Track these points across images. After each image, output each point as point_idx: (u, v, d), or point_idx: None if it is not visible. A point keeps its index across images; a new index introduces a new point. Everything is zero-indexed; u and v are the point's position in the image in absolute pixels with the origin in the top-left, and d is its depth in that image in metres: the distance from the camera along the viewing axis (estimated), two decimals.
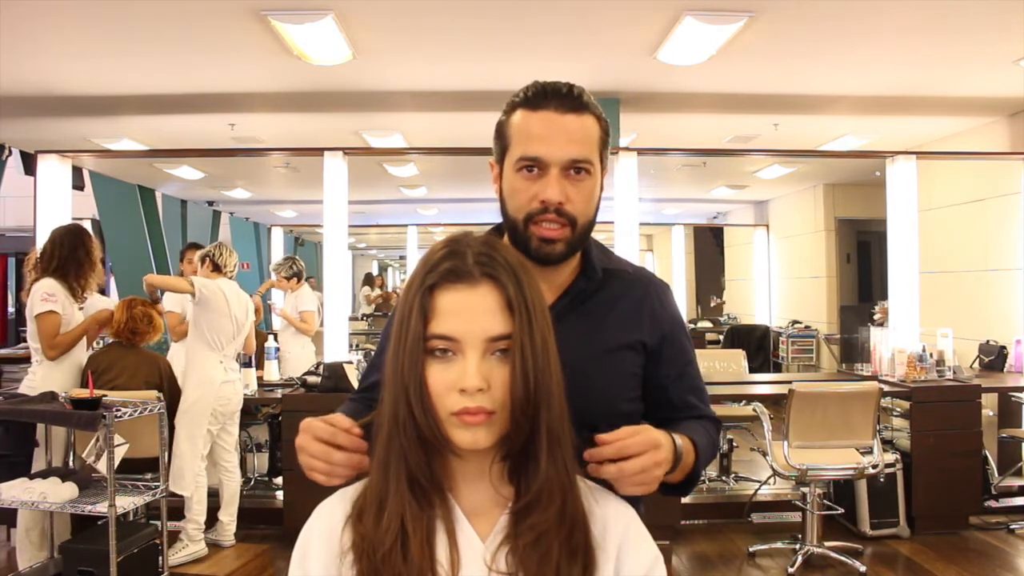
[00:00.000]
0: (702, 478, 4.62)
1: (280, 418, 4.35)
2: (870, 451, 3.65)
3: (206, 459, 3.72)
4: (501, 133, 1.11)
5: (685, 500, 4.41)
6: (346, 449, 0.92)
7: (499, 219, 1.16)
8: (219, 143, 5.74)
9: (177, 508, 3.61)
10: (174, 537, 3.62)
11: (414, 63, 4.14)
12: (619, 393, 1.12)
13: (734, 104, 4.96)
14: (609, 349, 1.12)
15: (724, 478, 4.78)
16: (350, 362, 4.30)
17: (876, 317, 6.07)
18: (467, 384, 0.80)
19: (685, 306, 10.52)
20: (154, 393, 3.35)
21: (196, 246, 4.84)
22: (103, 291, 4.41)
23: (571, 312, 1.11)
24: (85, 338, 3.70)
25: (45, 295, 3.36)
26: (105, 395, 3.12)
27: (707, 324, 9.87)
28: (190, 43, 3.74)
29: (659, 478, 0.92)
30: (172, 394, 3.60)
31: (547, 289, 1.11)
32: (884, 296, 5.58)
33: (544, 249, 1.06)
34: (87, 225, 6.70)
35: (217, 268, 3.88)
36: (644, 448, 0.91)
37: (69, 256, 3.47)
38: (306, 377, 4.30)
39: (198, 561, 3.60)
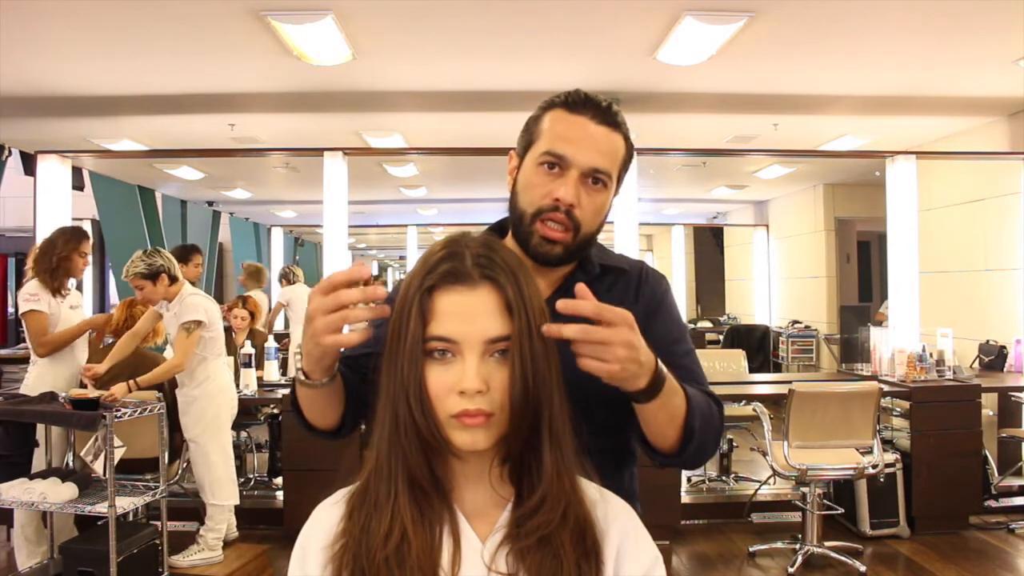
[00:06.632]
0: (702, 477, 4.70)
1: (280, 418, 4.35)
2: (870, 451, 3.65)
3: None
4: (530, 128, 1.13)
5: (685, 500, 4.41)
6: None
7: (498, 219, 1.16)
8: (219, 143, 5.74)
9: (176, 509, 3.61)
10: (178, 538, 3.62)
11: (414, 63, 4.14)
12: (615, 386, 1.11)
13: (734, 104, 4.96)
14: None
15: (724, 478, 4.78)
16: None
17: (876, 318, 6.08)
18: (466, 386, 0.79)
19: (685, 306, 10.53)
20: (154, 393, 3.35)
21: (196, 249, 4.84)
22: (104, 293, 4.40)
23: None
24: (86, 340, 3.71)
25: (28, 295, 3.48)
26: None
27: (707, 324, 9.87)
28: (190, 43, 3.74)
29: (621, 364, 0.85)
30: (172, 395, 3.59)
31: (543, 284, 1.12)
32: (884, 296, 5.57)
33: (543, 248, 1.08)
34: (87, 225, 6.73)
35: (175, 279, 3.51)
36: (620, 322, 0.84)
37: (47, 253, 3.54)
38: None
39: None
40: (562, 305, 0.83)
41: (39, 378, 3.48)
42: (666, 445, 1.02)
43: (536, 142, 1.10)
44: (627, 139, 1.12)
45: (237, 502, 3.65)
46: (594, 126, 1.08)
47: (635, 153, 1.16)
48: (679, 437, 1.01)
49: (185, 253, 4.69)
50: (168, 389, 3.59)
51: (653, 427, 1.00)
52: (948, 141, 5.76)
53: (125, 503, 3.00)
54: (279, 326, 7.60)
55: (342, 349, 0.91)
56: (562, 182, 1.07)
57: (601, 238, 1.18)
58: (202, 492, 3.56)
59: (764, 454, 3.77)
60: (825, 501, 3.92)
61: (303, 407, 1.05)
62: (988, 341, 5.07)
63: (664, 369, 0.94)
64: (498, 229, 1.17)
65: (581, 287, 0.85)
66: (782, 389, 3.86)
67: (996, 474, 4.43)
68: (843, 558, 3.68)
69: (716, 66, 4.02)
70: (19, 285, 3.71)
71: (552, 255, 1.09)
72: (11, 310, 8.54)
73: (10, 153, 5.37)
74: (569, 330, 0.83)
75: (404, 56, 4.02)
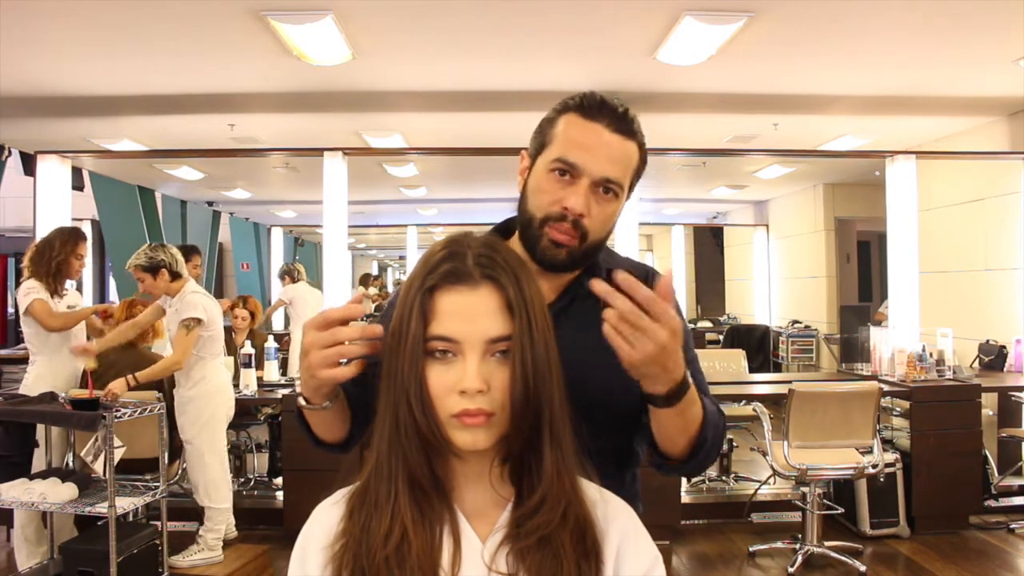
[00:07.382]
0: (702, 477, 4.69)
1: (280, 418, 4.35)
2: (870, 451, 3.65)
3: None
4: (543, 130, 1.10)
5: (685, 500, 4.41)
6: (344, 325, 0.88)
7: (498, 220, 1.16)
8: (219, 143, 5.74)
9: (176, 509, 3.61)
10: (178, 538, 3.61)
11: (414, 63, 4.14)
12: (616, 388, 1.10)
13: (734, 104, 4.96)
14: (607, 344, 1.11)
15: (724, 478, 4.78)
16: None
17: (875, 318, 6.08)
18: (467, 386, 0.79)
19: (685, 306, 10.53)
20: (154, 393, 3.35)
21: (196, 250, 4.84)
22: (104, 293, 4.44)
23: (571, 308, 1.12)
24: (86, 341, 3.72)
25: (27, 290, 3.55)
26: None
27: (707, 324, 9.87)
28: (190, 43, 3.74)
29: (644, 357, 0.86)
30: (172, 396, 3.59)
31: (549, 287, 1.11)
32: (884, 296, 5.57)
33: (550, 252, 1.07)
34: (87, 225, 6.73)
35: (177, 276, 3.50)
36: (667, 321, 0.84)
37: (44, 254, 3.60)
38: None
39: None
40: (623, 278, 0.83)
41: (38, 378, 3.50)
42: (675, 451, 1.03)
43: (549, 146, 1.08)
44: (641, 146, 1.10)
45: (230, 504, 3.66)
46: (609, 134, 1.05)
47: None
48: (689, 446, 1.01)
49: (184, 254, 4.68)
50: (168, 389, 3.59)
51: (665, 432, 1.01)
52: (948, 141, 5.76)
53: (125, 503, 3.00)
54: (279, 325, 7.61)
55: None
56: (572, 191, 1.05)
57: None
58: (197, 494, 3.56)
59: (764, 454, 3.77)
60: (825, 501, 3.92)
61: (310, 425, 1.06)
62: (988, 341, 5.07)
63: (690, 382, 0.94)
64: (503, 230, 1.17)
65: (622, 274, 0.84)
66: (782, 389, 3.86)
67: (996, 474, 4.43)
68: (843, 558, 3.68)
69: (716, 66, 4.02)
70: (18, 285, 3.73)
71: (558, 259, 1.07)
72: (11, 310, 8.54)
73: (10, 153, 5.37)
74: (620, 301, 0.83)
75: (404, 56, 4.02)
